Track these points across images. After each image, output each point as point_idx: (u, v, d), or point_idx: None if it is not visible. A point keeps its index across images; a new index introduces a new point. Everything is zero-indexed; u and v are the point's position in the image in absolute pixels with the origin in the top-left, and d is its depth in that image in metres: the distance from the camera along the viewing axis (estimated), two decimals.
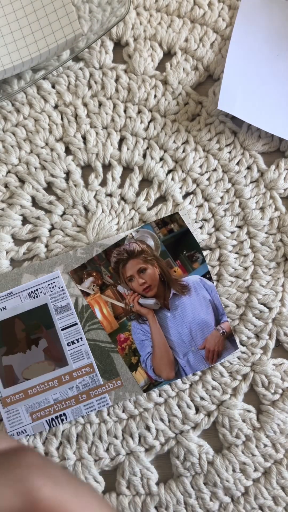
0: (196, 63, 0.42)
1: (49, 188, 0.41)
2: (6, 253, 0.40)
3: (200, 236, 0.40)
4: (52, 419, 0.38)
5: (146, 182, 0.41)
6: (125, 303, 0.39)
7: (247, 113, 0.40)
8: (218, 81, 0.42)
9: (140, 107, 0.42)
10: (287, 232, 0.40)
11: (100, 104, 0.42)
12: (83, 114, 0.42)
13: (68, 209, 0.41)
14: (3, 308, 0.38)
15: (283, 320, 0.39)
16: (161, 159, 0.41)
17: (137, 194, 0.41)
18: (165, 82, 0.42)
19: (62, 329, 0.38)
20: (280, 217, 0.40)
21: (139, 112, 0.42)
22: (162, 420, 0.38)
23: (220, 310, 0.39)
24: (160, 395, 0.38)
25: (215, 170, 0.41)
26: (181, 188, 0.41)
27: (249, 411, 0.38)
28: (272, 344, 0.39)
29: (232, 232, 0.40)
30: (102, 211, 0.40)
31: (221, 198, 0.41)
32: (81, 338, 0.38)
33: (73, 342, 0.38)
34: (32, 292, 0.39)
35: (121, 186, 0.41)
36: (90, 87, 0.42)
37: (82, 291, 0.39)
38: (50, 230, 0.41)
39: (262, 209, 0.40)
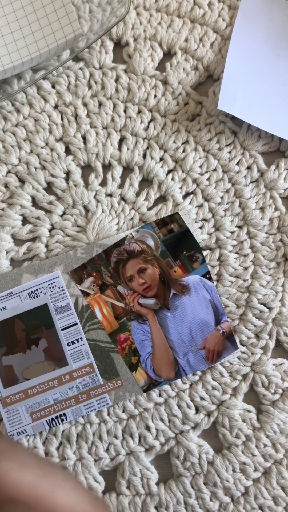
0: (196, 63, 0.42)
1: (49, 188, 0.41)
2: (6, 253, 0.40)
3: (200, 236, 0.40)
4: (52, 419, 0.38)
5: (146, 182, 0.41)
6: (125, 303, 0.39)
7: (247, 113, 0.40)
8: (218, 81, 0.42)
9: (140, 107, 0.42)
10: (287, 232, 0.40)
11: (100, 104, 0.42)
12: (83, 114, 0.42)
13: (68, 209, 0.41)
14: (3, 308, 0.38)
15: (283, 320, 0.39)
16: (161, 159, 0.41)
17: (137, 194, 0.41)
18: (165, 82, 0.42)
19: (62, 329, 0.38)
20: (280, 217, 0.40)
21: (139, 112, 0.42)
22: (162, 420, 0.38)
23: (220, 310, 0.39)
24: (160, 395, 0.38)
25: (215, 170, 0.41)
26: (181, 188, 0.41)
27: (249, 411, 0.38)
28: (272, 344, 0.39)
29: (232, 232, 0.40)
30: (102, 211, 0.40)
31: (221, 198, 0.41)
32: (81, 338, 0.38)
33: (73, 342, 0.38)
34: (32, 292, 0.39)
35: (121, 186, 0.41)
36: (90, 87, 0.42)
37: (82, 291, 0.39)
38: (50, 230, 0.41)
39: (262, 209, 0.40)
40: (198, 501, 0.37)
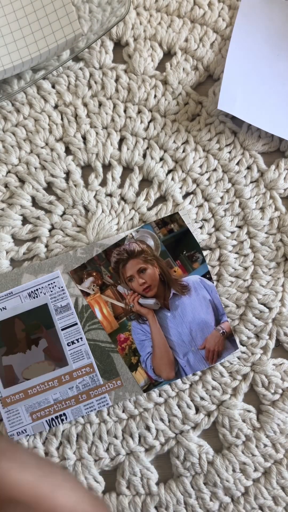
0: (196, 63, 0.42)
1: (49, 188, 0.41)
2: (6, 253, 0.40)
3: (200, 236, 0.40)
4: (52, 419, 0.38)
5: (146, 182, 0.41)
6: (125, 303, 0.39)
7: (247, 113, 0.40)
8: (218, 81, 0.42)
9: (140, 107, 0.42)
10: (287, 232, 0.40)
11: (100, 104, 0.42)
12: (83, 114, 0.42)
13: (68, 209, 0.41)
14: (3, 308, 0.38)
15: (283, 320, 0.39)
16: (161, 159, 0.41)
17: (137, 194, 0.41)
18: (165, 82, 0.42)
19: (62, 329, 0.38)
20: (280, 217, 0.40)
21: (139, 112, 0.42)
22: (162, 420, 0.38)
23: (220, 310, 0.39)
24: (160, 395, 0.38)
25: (215, 170, 0.41)
26: (181, 188, 0.41)
27: (249, 411, 0.38)
28: (272, 344, 0.39)
29: (232, 232, 0.40)
30: (102, 211, 0.40)
31: (221, 198, 0.41)
32: (81, 338, 0.38)
33: (73, 342, 0.38)
34: (32, 292, 0.39)
35: (121, 186, 0.41)
36: (90, 87, 0.42)
37: (82, 291, 0.39)
38: (50, 230, 0.41)
39: (262, 209, 0.40)
40: (198, 501, 0.37)
